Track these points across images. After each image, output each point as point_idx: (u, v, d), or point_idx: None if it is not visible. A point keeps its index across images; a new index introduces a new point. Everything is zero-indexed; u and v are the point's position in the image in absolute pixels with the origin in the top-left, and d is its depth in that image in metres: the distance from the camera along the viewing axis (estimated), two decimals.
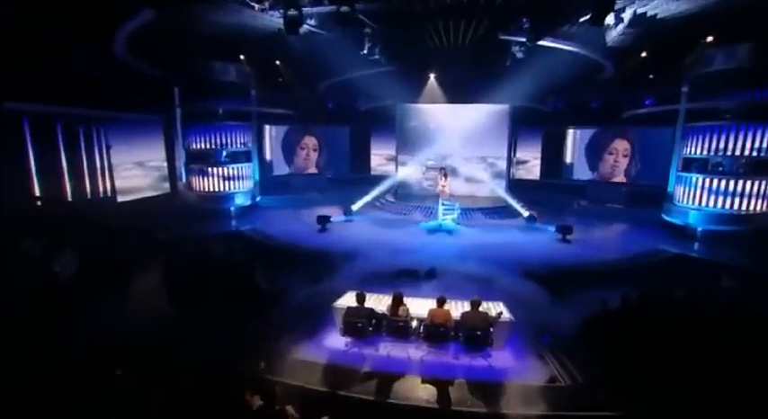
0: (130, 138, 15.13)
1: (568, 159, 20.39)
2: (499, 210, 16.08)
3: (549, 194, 19.24)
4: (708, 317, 6.71)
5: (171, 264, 9.40)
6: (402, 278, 9.41)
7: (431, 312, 6.67)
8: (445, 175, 13.35)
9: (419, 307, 7.20)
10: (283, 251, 11.76)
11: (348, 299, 7.68)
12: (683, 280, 9.66)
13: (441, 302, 6.71)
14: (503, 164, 18.84)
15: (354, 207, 15.28)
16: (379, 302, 7.51)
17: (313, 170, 22.53)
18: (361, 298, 6.93)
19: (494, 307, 7.24)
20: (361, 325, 6.72)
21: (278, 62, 15.62)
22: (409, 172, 17.87)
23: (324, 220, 13.65)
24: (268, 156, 21.26)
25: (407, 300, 7.31)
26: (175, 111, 15.77)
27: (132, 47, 12.48)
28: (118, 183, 14.68)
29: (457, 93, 16.40)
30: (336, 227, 14.02)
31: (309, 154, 22.33)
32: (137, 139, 15.38)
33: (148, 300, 8.34)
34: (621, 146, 18.74)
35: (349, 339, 6.99)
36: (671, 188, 14.69)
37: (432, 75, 16.12)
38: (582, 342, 6.89)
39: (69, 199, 12.33)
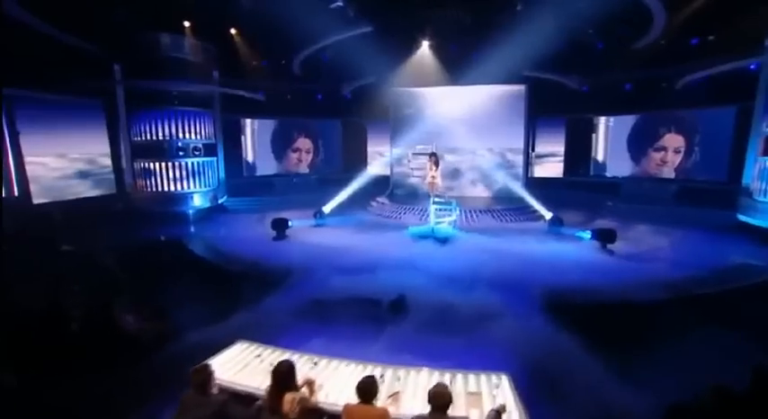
0: (61, 126, 12.02)
1: (599, 153, 16.27)
2: (513, 212, 12.15)
3: (575, 193, 15.17)
4: None
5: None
6: (351, 310, 5.71)
7: (347, 411, 2.94)
8: (436, 163, 9.57)
9: (339, 387, 3.49)
10: (210, 265, 8.23)
11: (235, 354, 4.20)
12: None
13: (366, 392, 2.95)
14: (518, 158, 14.98)
15: (326, 209, 11.63)
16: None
17: (303, 170, 19.14)
18: (203, 378, 3.19)
19: (489, 390, 3.43)
20: None
21: (233, 31, 12.25)
22: (385, 163, 14.00)
23: (280, 226, 10.07)
24: (249, 153, 18.02)
25: (324, 374, 3.64)
26: (117, 93, 12.54)
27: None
28: (44, 182, 11.57)
29: (457, 63, 12.62)
30: (298, 233, 10.44)
31: (302, 157, 19.01)
32: (70, 127, 12.24)
33: None
34: (673, 143, 14.48)
35: None
36: (747, 179, 10.50)
37: (425, 43, 12.40)
38: None
39: None
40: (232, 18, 11.40)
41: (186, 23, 11.72)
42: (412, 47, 12.68)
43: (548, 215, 10.65)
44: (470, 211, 11.89)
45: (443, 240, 9.23)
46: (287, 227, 10.17)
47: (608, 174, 16.01)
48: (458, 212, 9.81)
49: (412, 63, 13.23)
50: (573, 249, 8.89)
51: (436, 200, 9.59)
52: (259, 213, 13.52)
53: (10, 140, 10.72)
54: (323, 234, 10.45)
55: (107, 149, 13.03)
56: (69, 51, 11.39)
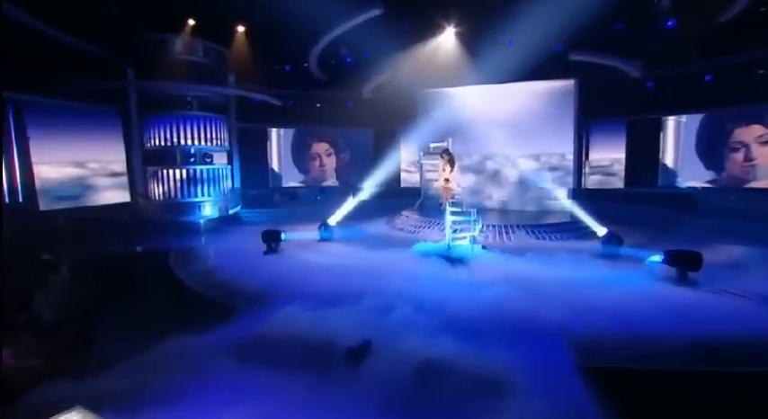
0: (76, 132, 11.43)
1: (669, 158, 13.20)
2: (557, 228, 9.63)
3: (640, 208, 12.24)
4: None
5: None
6: (292, 359, 3.84)
7: None
8: (450, 162, 7.42)
9: None
10: (169, 284, 6.70)
11: None
12: None
13: None
14: (566, 166, 12.37)
15: (332, 221, 9.86)
16: None
17: (332, 182, 17.63)
18: None
19: None
20: None
21: (241, 28, 11.07)
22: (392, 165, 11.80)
23: (272, 239, 8.43)
24: (275, 164, 16.89)
25: None
26: (130, 98, 11.77)
27: None
28: (53, 188, 10.94)
29: (490, 54, 10.44)
30: (294, 247, 8.77)
31: (324, 161, 17.45)
32: (85, 134, 11.61)
33: None
34: (751, 133, 11.24)
35: None
36: None
37: (450, 30, 10.39)
38: None
39: None
40: (239, 13, 10.21)
41: (192, 22, 10.72)
42: (435, 34, 10.70)
43: (602, 231, 8.05)
44: (504, 226, 9.57)
45: (460, 262, 7.01)
46: (279, 240, 8.50)
47: (681, 185, 12.86)
48: (480, 226, 7.56)
49: (438, 57, 11.27)
50: (637, 279, 6.30)
51: (452, 209, 7.43)
52: (273, 225, 12.09)
53: (17, 145, 10.17)
54: (321, 249, 8.67)
55: (122, 156, 12.28)
56: (82, 56, 10.82)
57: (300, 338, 4.28)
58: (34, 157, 10.49)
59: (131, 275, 7.07)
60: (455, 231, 7.45)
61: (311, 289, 5.75)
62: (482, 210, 10.98)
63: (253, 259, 7.94)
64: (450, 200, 7.47)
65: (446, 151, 7.53)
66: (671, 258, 6.57)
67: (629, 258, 7.32)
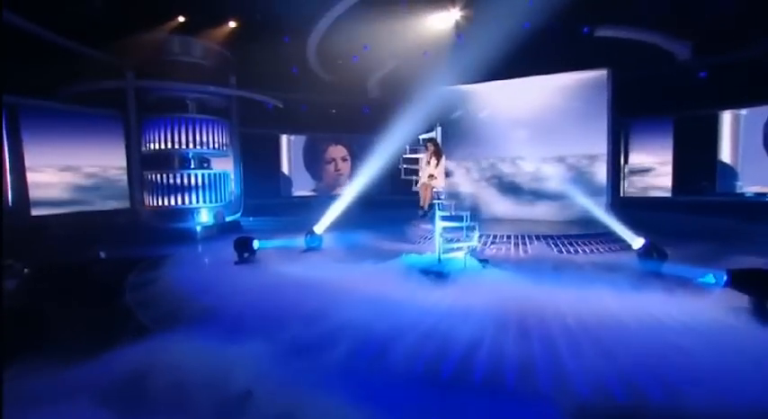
0: (76, 136, 11.03)
1: (728, 161, 10.88)
2: (585, 239, 7.74)
3: (693, 219, 10.07)
4: None
5: None
6: (159, 400, 2.56)
7: None
8: (436, 154, 5.84)
9: None
10: (98, 298, 5.61)
11: None
12: None
13: None
14: (599, 170, 10.42)
15: (318, 229, 8.55)
16: None
17: (345, 184, 16.45)
18: None
19: None
20: None
21: (232, 24, 10.24)
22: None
23: (243, 247, 7.22)
24: (286, 172, 16.01)
25: None
26: (128, 101, 11.19)
27: None
28: (48, 193, 10.49)
29: (505, 42, 8.81)
30: (270, 256, 7.53)
31: (339, 166, 16.33)
32: (85, 138, 11.19)
33: None
34: None
35: None
36: None
37: (455, 12, 8.94)
38: None
39: None
40: (236, 10, 9.38)
41: (192, 22, 10.03)
42: (438, 20, 9.29)
43: (638, 242, 6.14)
44: (518, 236, 7.85)
45: (447, 281, 5.37)
46: (252, 248, 7.28)
47: (744, 191, 10.49)
48: (478, 234, 5.93)
49: (443, 48, 9.85)
50: (689, 310, 4.41)
51: (441, 214, 5.86)
52: (273, 233, 10.97)
53: (9, 149, 9.77)
54: (297, 260, 7.30)
55: (121, 161, 11.73)
56: (79, 59, 10.38)
57: (182, 377, 2.98)
58: (28, 161, 10.11)
59: (73, 285, 6.09)
60: (448, 241, 5.88)
61: (242, 309, 4.43)
62: (496, 219, 9.34)
63: (213, 269, 6.79)
64: (437, 202, 5.90)
65: (432, 141, 5.97)
66: (737, 279, 4.65)
67: (676, 278, 5.42)
